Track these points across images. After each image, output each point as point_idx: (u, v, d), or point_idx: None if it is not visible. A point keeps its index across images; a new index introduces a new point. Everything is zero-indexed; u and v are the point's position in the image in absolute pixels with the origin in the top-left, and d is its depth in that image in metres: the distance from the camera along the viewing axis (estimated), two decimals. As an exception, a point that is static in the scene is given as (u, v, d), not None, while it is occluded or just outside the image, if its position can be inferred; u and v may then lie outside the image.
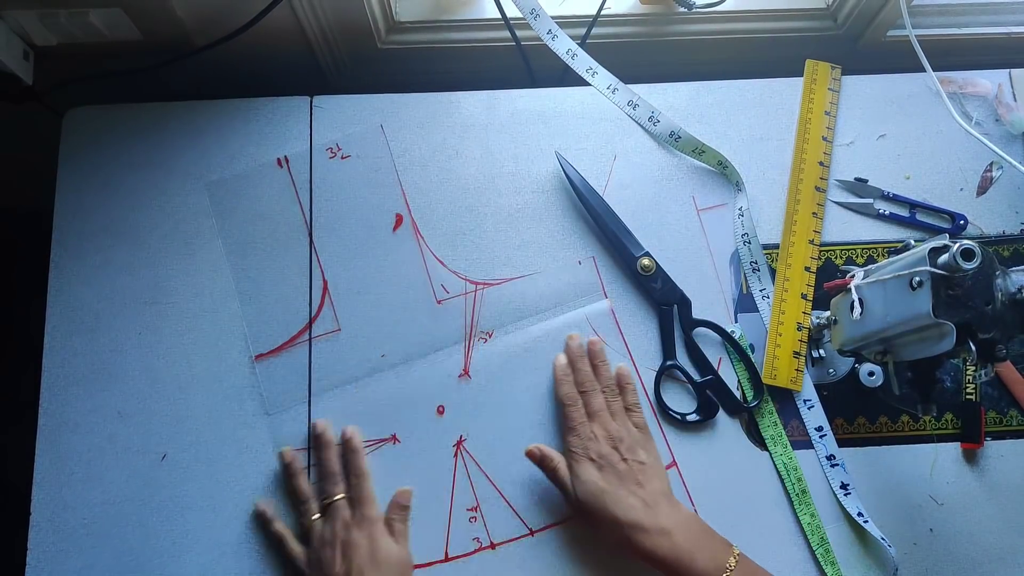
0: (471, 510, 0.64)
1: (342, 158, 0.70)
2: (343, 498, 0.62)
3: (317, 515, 0.62)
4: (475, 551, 0.63)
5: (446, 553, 0.63)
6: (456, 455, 0.65)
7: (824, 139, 0.72)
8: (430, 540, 0.63)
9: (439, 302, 0.68)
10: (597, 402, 0.63)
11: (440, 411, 0.66)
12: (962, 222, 0.71)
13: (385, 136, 0.71)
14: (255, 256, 0.68)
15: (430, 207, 0.70)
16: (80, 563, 0.63)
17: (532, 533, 0.64)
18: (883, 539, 0.62)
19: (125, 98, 0.73)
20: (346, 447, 0.64)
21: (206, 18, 0.71)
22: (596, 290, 0.69)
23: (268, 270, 0.68)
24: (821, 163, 0.71)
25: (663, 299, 0.68)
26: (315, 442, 0.64)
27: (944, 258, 0.50)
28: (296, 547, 0.62)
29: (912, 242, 0.58)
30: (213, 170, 0.71)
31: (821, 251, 0.70)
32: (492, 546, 0.63)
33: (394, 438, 0.65)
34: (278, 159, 0.70)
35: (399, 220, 0.69)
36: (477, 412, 0.66)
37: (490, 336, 0.67)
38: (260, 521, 0.63)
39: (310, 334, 0.67)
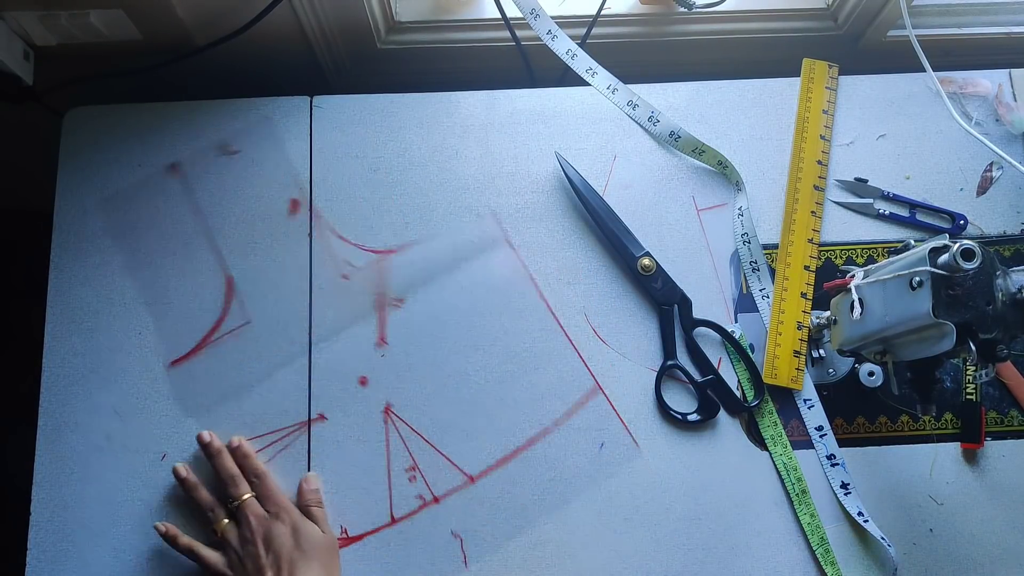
0: (409, 470, 0.65)
1: (230, 154, 0.70)
2: (251, 496, 0.62)
3: (227, 519, 0.62)
4: (420, 508, 0.64)
5: (392, 516, 0.64)
6: (386, 422, 0.66)
7: (822, 138, 0.72)
8: (374, 507, 0.64)
9: (345, 277, 0.68)
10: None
11: (363, 382, 0.66)
12: (962, 222, 0.71)
13: (272, 125, 0.71)
14: (159, 266, 0.69)
15: (430, 208, 0.70)
16: (80, 563, 0.63)
17: (472, 480, 0.65)
18: (883, 539, 0.62)
19: (125, 98, 0.73)
20: (237, 454, 0.63)
21: (206, 18, 0.71)
22: (499, 242, 0.69)
23: (174, 276, 0.68)
24: (819, 162, 0.71)
25: (663, 299, 0.68)
26: (205, 451, 0.63)
27: (944, 258, 0.50)
28: (211, 553, 0.61)
29: (912, 242, 0.58)
30: (213, 170, 0.71)
31: (821, 251, 0.70)
32: (436, 500, 0.64)
33: (320, 416, 0.66)
34: (172, 164, 0.70)
35: (294, 205, 0.69)
36: (399, 377, 0.67)
37: (402, 302, 0.68)
38: (166, 540, 0.62)
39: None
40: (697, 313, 0.68)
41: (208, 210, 0.70)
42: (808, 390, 0.67)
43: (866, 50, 0.81)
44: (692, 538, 0.64)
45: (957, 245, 0.49)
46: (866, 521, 0.63)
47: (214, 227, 0.70)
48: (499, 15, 0.76)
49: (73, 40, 0.69)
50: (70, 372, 0.66)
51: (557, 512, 0.64)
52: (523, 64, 0.80)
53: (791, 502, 0.64)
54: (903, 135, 0.73)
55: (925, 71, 0.71)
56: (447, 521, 0.64)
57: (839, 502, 0.64)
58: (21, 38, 0.68)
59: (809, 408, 0.66)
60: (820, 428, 0.66)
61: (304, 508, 0.63)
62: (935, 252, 0.51)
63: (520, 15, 0.75)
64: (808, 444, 0.66)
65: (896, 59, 0.76)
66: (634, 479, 0.65)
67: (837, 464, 0.65)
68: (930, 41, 0.74)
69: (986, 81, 0.74)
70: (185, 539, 0.62)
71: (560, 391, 0.67)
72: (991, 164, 0.72)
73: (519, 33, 0.78)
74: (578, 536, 0.64)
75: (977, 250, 0.48)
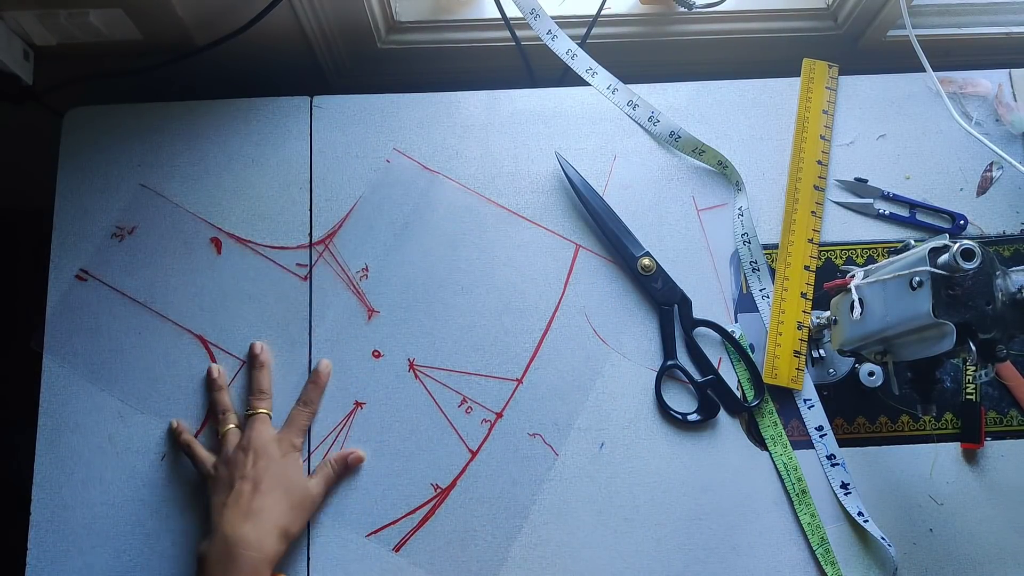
0: (461, 404, 0.66)
1: (129, 233, 0.69)
2: (266, 415, 0.63)
3: (233, 426, 0.63)
4: (490, 429, 0.66)
5: (470, 450, 0.66)
6: (416, 377, 0.67)
7: (822, 138, 0.72)
8: (451, 452, 0.66)
9: (304, 279, 0.68)
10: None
11: (376, 355, 0.67)
12: (962, 222, 0.71)
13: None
14: (159, 266, 0.69)
15: (431, 207, 0.70)
16: (80, 563, 0.63)
17: (520, 380, 0.67)
18: (883, 538, 0.62)
19: (125, 98, 0.73)
20: (312, 376, 0.65)
21: (206, 18, 0.71)
22: (421, 175, 0.71)
23: (174, 276, 0.69)
24: (819, 162, 0.71)
25: (663, 299, 0.68)
26: (251, 361, 0.65)
27: (944, 258, 0.50)
28: (204, 453, 0.63)
29: (912, 242, 0.58)
30: (212, 170, 0.71)
31: (821, 251, 0.70)
32: (499, 415, 0.66)
33: (357, 404, 0.66)
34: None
35: (217, 243, 0.69)
36: (406, 332, 0.68)
37: (367, 270, 0.68)
38: (171, 435, 0.64)
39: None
40: (697, 313, 0.68)
41: (208, 210, 0.70)
42: (808, 390, 0.67)
43: (866, 50, 0.81)
44: (692, 538, 0.64)
45: (957, 245, 0.49)
46: (866, 521, 0.63)
47: (214, 227, 0.70)
48: (499, 15, 0.76)
49: (73, 40, 0.69)
50: (70, 372, 0.66)
51: (557, 512, 0.64)
52: (523, 64, 0.80)
53: (791, 502, 0.64)
54: (903, 135, 0.73)
55: (925, 71, 0.71)
56: (516, 432, 0.66)
57: (839, 502, 0.64)
58: (21, 38, 0.68)
59: (809, 408, 0.66)
60: (820, 428, 0.66)
61: (325, 463, 0.63)
62: (935, 252, 0.51)
63: (520, 15, 0.75)
64: (808, 444, 0.66)
65: (896, 59, 0.76)
66: (634, 479, 0.65)
67: (837, 464, 0.65)
68: (930, 41, 0.74)
69: (986, 81, 0.74)
70: (187, 436, 0.64)
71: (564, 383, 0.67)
72: (991, 164, 0.72)
73: (519, 33, 0.78)
74: (578, 536, 0.64)
75: (977, 250, 0.48)
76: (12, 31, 0.67)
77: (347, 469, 0.64)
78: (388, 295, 0.68)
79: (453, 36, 0.80)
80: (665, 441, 0.66)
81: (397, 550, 0.63)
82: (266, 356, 0.66)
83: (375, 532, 0.64)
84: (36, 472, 0.64)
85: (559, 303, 0.69)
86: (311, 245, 0.69)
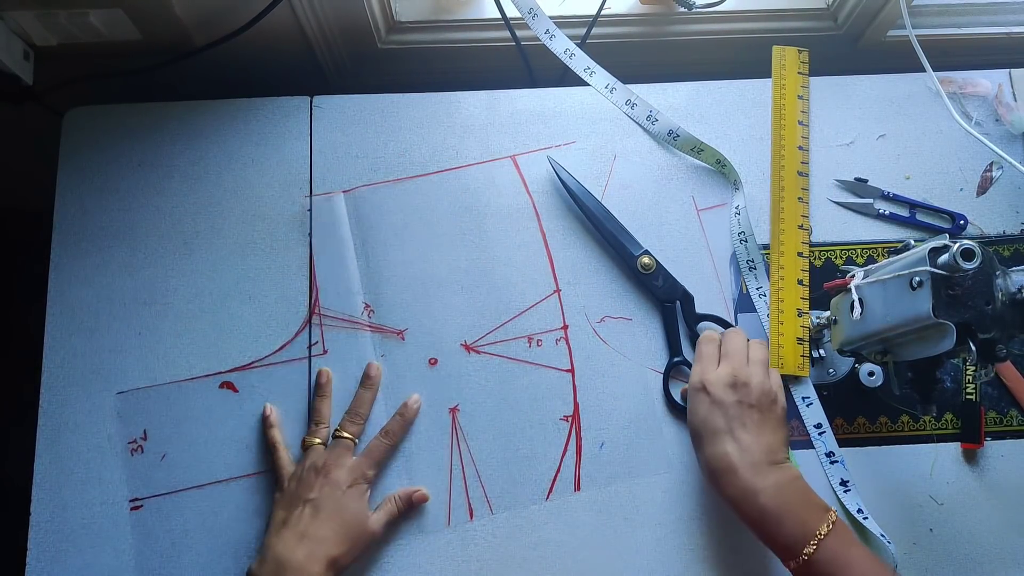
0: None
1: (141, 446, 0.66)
2: (351, 440, 0.63)
3: (319, 441, 0.63)
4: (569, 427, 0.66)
5: (568, 449, 0.66)
6: (469, 352, 0.68)
7: (800, 123, 0.72)
8: (547, 459, 0.65)
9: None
10: (734, 344, 0.63)
11: (401, 336, 0.67)
12: (962, 222, 0.71)
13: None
14: (159, 266, 0.69)
15: (430, 206, 0.70)
16: (80, 563, 0.63)
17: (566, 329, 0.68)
18: (883, 536, 0.62)
19: (125, 98, 0.73)
20: (401, 409, 0.66)
21: (206, 18, 0.71)
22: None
23: (174, 276, 0.69)
24: (800, 147, 0.71)
25: (665, 296, 0.68)
26: (363, 380, 0.66)
27: (944, 258, 0.50)
28: (286, 459, 0.64)
29: (912, 242, 0.58)
30: (212, 171, 0.71)
31: (821, 251, 0.70)
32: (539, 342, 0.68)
33: (455, 410, 0.67)
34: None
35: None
36: (405, 333, 0.67)
37: (373, 312, 0.68)
38: (262, 423, 0.65)
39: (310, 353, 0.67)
40: (698, 312, 0.68)
41: (208, 210, 0.70)
42: (807, 388, 0.67)
43: (866, 50, 0.81)
44: (692, 538, 0.64)
45: (957, 245, 0.49)
46: (865, 519, 0.63)
47: (214, 227, 0.70)
48: (499, 15, 0.76)
49: (72, 40, 0.69)
50: (70, 372, 0.66)
51: (557, 512, 0.64)
52: (523, 64, 0.80)
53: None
54: (903, 135, 0.73)
55: (925, 71, 0.71)
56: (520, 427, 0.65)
57: (839, 500, 0.64)
58: (21, 38, 0.68)
59: (808, 406, 0.66)
60: (819, 426, 0.66)
61: (389, 499, 0.63)
62: (935, 252, 0.51)
63: (520, 15, 0.75)
64: (808, 444, 0.66)
65: (896, 59, 0.76)
66: (634, 479, 0.65)
67: (836, 462, 0.65)
68: (930, 41, 0.74)
69: (986, 81, 0.74)
70: (276, 432, 0.64)
71: (553, 393, 0.67)
72: (991, 164, 0.72)
73: (519, 33, 0.78)
74: (578, 536, 0.64)
75: (977, 250, 0.48)
76: (12, 31, 0.67)
77: (411, 507, 0.64)
78: (388, 295, 0.68)
79: (453, 36, 0.80)
80: (665, 441, 0.66)
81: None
82: (377, 381, 0.66)
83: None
84: (36, 472, 0.64)
85: (559, 304, 0.69)
86: (310, 238, 0.69)
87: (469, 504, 0.64)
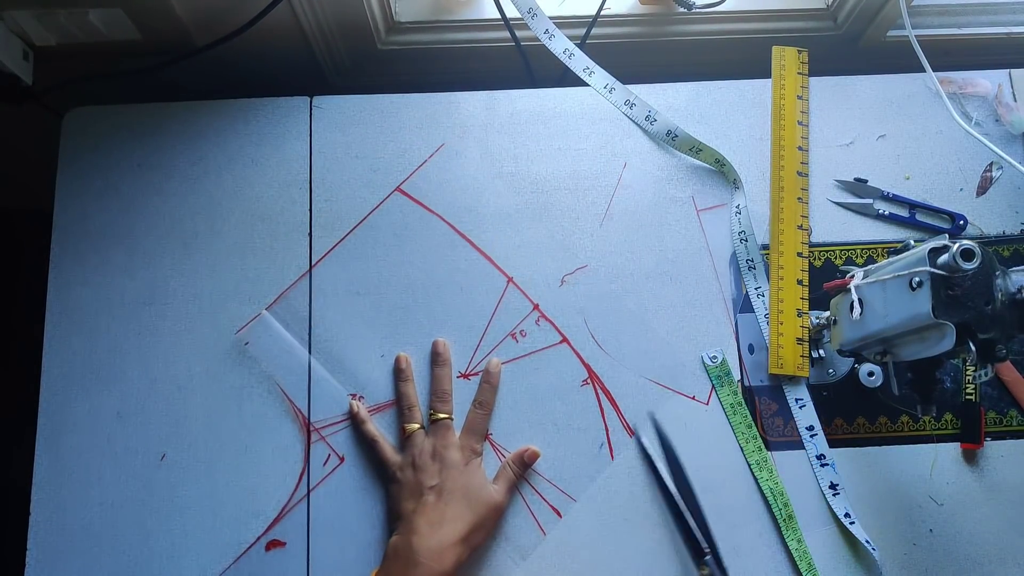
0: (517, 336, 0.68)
1: None
2: (448, 418, 0.64)
3: (417, 425, 0.64)
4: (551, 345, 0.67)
5: (603, 405, 0.67)
6: (470, 380, 0.67)
7: (800, 123, 0.72)
8: (592, 424, 0.66)
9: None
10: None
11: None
12: (962, 222, 0.71)
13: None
14: (159, 266, 0.69)
15: (429, 207, 0.70)
16: (80, 563, 0.63)
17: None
18: (868, 542, 0.62)
19: (125, 98, 0.73)
20: (484, 376, 0.66)
21: (206, 18, 0.71)
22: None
23: (174, 276, 0.69)
24: (800, 148, 0.71)
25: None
26: (434, 359, 0.66)
27: (944, 258, 0.50)
28: (392, 452, 0.64)
29: (912, 242, 0.58)
30: (212, 171, 0.71)
31: (821, 252, 0.70)
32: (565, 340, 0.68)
33: (352, 397, 0.66)
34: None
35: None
36: (405, 333, 0.68)
37: (363, 397, 0.68)
38: (352, 421, 0.65)
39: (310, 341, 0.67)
40: (697, 312, 0.68)
41: (208, 211, 0.70)
42: (800, 390, 0.67)
43: (866, 50, 0.81)
44: (692, 538, 0.64)
45: (957, 245, 0.49)
46: (852, 523, 0.63)
47: (214, 228, 0.70)
48: (499, 15, 0.76)
49: (72, 40, 0.69)
50: (70, 373, 0.66)
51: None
52: (523, 64, 0.80)
53: (778, 528, 0.64)
54: (903, 135, 0.73)
55: (925, 71, 0.71)
56: (520, 428, 0.66)
57: (827, 504, 0.64)
58: (20, 38, 0.68)
59: (800, 408, 0.66)
60: (811, 428, 0.66)
61: (506, 466, 0.64)
62: (935, 252, 0.51)
63: (519, 16, 0.75)
64: (799, 445, 0.66)
65: (896, 59, 0.76)
66: (634, 479, 0.65)
67: (827, 464, 0.65)
68: (930, 41, 0.74)
69: (986, 81, 0.74)
70: (372, 427, 0.64)
71: (560, 391, 0.67)
72: (991, 164, 0.72)
73: (519, 33, 0.78)
74: (578, 536, 0.64)
75: (977, 250, 0.48)
76: (12, 31, 0.67)
77: (525, 467, 0.64)
78: (366, 371, 0.67)
79: (453, 36, 0.80)
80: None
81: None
82: (447, 355, 0.66)
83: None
84: (36, 472, 0.64)
85: (518, 290, 0.69)
86: (310, 238, 0.69)
87: (551, 506, 0.65)
